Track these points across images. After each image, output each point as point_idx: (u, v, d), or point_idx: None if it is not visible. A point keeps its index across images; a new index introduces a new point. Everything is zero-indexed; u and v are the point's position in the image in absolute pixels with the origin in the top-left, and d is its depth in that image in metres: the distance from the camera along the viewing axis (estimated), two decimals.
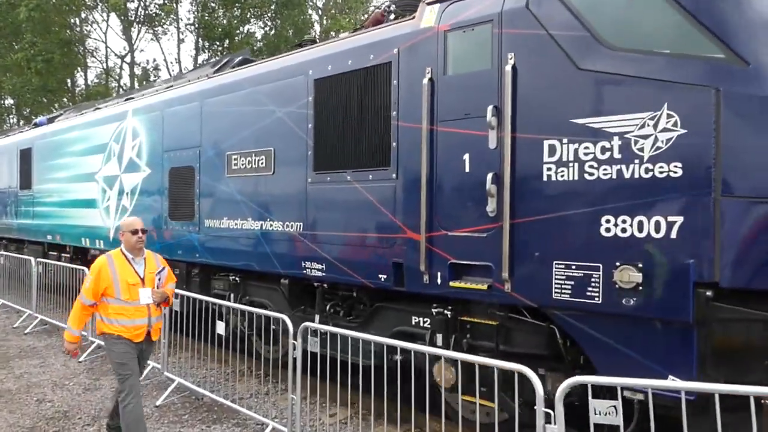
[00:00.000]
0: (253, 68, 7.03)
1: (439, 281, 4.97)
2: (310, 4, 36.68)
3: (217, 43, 35.22)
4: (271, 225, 6.56)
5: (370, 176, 5.51)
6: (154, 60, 38.68)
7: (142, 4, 35.81)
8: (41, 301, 10.49)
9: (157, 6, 36.07)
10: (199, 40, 36.22)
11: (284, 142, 6.42)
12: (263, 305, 6.87)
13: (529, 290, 4.46)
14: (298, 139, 6.25)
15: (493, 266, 4.63)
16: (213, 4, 35.16)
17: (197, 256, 7.68)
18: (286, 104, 6.38)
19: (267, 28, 36.83)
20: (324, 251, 5.94)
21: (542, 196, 4.39)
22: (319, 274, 6.02)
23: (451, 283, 4.86)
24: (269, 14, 36.04)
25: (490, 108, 4.63)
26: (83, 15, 37.76)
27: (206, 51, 36.58)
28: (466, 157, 4.83)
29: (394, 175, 5.31)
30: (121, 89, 37.92)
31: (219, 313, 6.80)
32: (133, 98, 9.61)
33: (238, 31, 35.82)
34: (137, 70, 39.61)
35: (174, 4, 35.51)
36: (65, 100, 40.15)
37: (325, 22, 35.90)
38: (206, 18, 34.14)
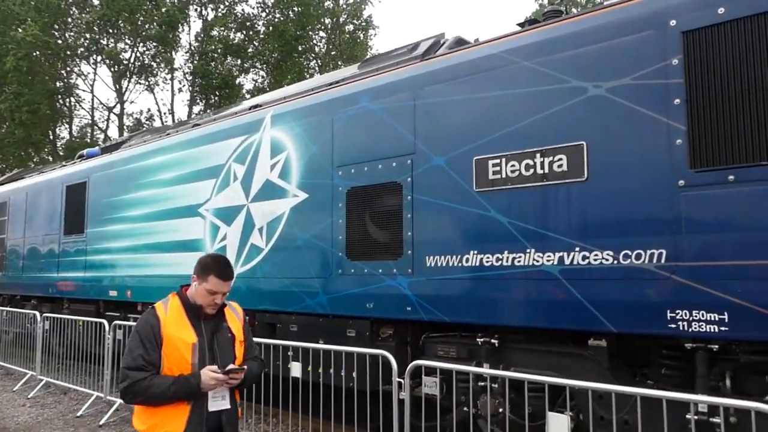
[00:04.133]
0: (526, 34, 4.82)
1: None
2: (312, 55, 35.17)
3: (217, 93, 33.08)
4: (585, 257, 4.23)
5: None
6: (149, 110, 36.04)
7: (136, 54, 33.54)
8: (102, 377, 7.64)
9: (150, 57, 33.87)
10: (196, 89, 34.06)
11: (611, 131, 4.18)
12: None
13: None
14: (645, 124, 4.03)
15: None
16: (214, 54, 33.22)
17: (408, 310, 5.21)
18: (614, 75, 4.18)
19: (261, 80, 35.03)
20: (725, 292, 3.64)
21: None
22: (713, 329, 3.69)
23: None
24: (269, 67, 34.35)
25: None
26: (70, 67, 35.17)
27: (202, 101, 34.45)
28: None
29: None
30: (108, 140, 35.18)
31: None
32: (259, 106, 7.22)
33: (237, 81, 33.94)
34: (128, 121, 36.89)
35: (171, 54, 33.39)
36: (44, 154, 37.01)
37: (326, 69, 34.29)
38: (205, 66, 32.04)
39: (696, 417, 3.70)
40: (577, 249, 4.26)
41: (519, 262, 4.55)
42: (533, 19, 5.42)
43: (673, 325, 3.83)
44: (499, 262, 4.66)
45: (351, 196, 5.74)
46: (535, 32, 4.72)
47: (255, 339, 6.00)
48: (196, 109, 33.36)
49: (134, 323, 3.16)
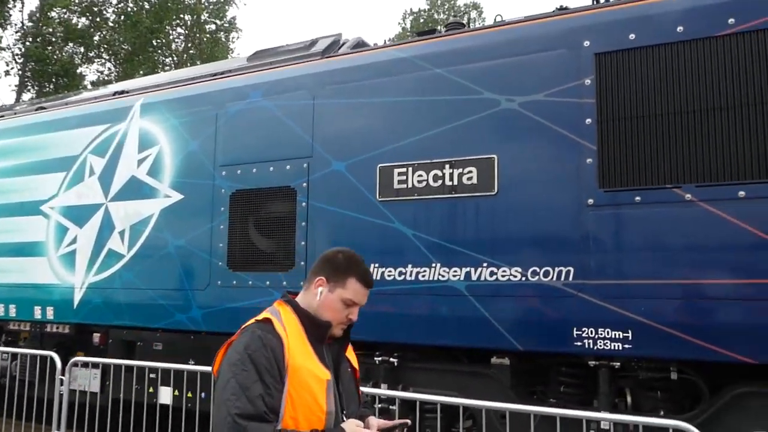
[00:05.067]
0: (438, 41, 4.64)
1: None
2: (168, 51, 33.01)
3: (53, 80, 29.57)
4: (492, 273, 4.12)
5: (742, 193, 3.52)
6: None
7: None
8: None
9: None
10: (28, 73, 30.24)
11: (523, 147, 4.14)
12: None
13: None
14: (557, 141, 4.03)
15: None
16: (52, 38, 29.76)
17: None
18: (528, 90, 4.14)
19: (107, 72, 32.19)
20: (630, 310, 3.71)
21: None
22: (618, 347, 3.73)
23: None
24: (118, 59, 31.62)
25: None
26: None
27: (34, 87, 30.66)
28: None
29: None
30: None
31: None
32: (126, 92, 6.30)
33: (78, 71, 30.77)
34: None
35: None
36: None
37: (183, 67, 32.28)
38: (40, 50, 28.53)
39: None
40: (485, 264, 4.14)
41: (424, 276, 4.34)
42: (432, 29, 5.32)
43: (579, 343, 3.83)
44: (402, 276, 4.41)
45: (236, 200, 5.17)
46: (449, 39, 4.59)
47: (111, 360, 5.18)
48: (26, 96, 29.54)
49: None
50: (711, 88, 3.66)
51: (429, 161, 4.41)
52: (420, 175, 4.43)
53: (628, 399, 3.92)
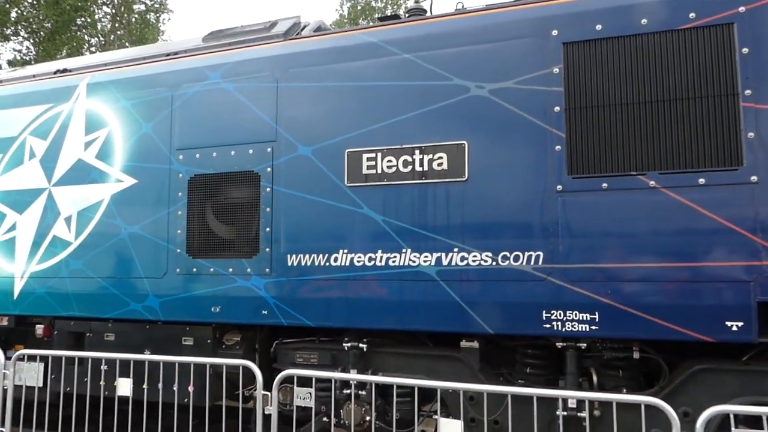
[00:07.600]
0: (407, 26, 4.50)
1: None
2: (94, 31, 31.08)
3: None
4: (463, 258, 4.08)
5: (702, 180, 3.63)
6: None
7: None
8: None
9: None
10: None
11: (492, 133, 4.11)
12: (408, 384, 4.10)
13: None
14: (526, 128, 4.02)
15: None
16: None
17: (264, 314, 4.57)
18: (497, 78, 4.11)
19: (26, 51, 30.00)
20: (597, 293, 3.77)
21: None
22: (585, 328, 3.79)
23: None
24: (38, 37, 29.49)
25: None
26: None
27: None
28: None
29: (753, 178, 3.54)
30: None
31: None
32: (69, 71, 5.80)
33: None
34: None
35: None
36: None
37: (110, 48, 30.54)
38: None
39: (565, 413, 3.79)
40: (456, 250, 4.11)
41: (394, 262, 4.26)
42: (395, 14, 5.21)
43: (548, 326, 3.87)
44: (372, 262, 4.31)
45: (194, 185, 4.90)
46: (418, 24, 4.48)
47: (63, 353, 4.83)
48: None
49: None
50: (672, 80, 3.75)
51: (399, 147, 4.31)
52: (389, 161, 4.33)
53: (594, 378, 4.01)
